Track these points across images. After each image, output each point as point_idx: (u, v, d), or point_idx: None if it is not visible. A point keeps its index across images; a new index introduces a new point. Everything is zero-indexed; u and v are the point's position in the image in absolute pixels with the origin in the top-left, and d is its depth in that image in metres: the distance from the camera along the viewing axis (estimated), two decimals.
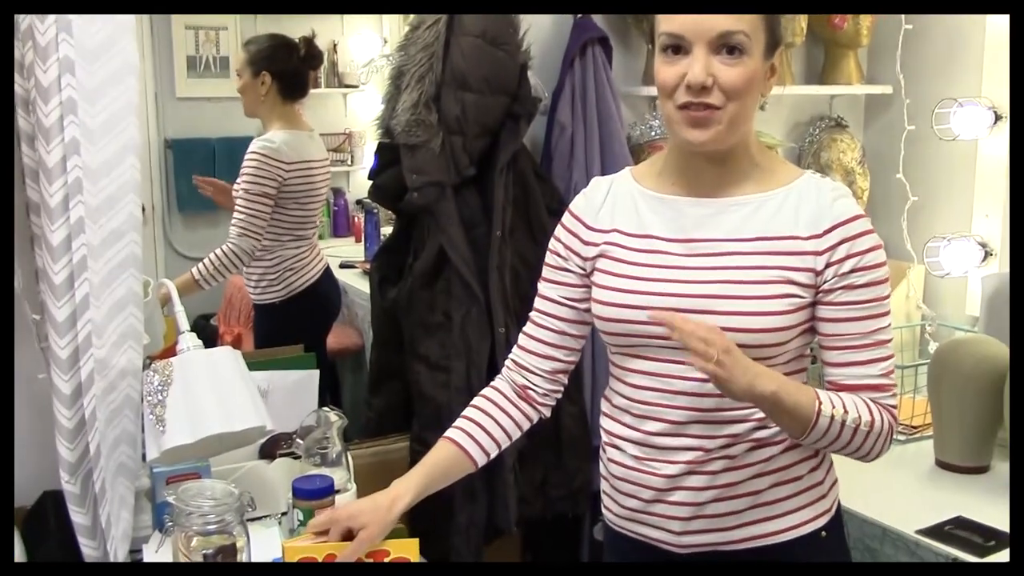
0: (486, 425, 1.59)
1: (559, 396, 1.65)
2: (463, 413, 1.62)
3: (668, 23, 1.38)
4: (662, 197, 1.49)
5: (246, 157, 2.88)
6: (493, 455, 1.59)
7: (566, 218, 1.58)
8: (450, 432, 1.59)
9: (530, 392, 1.61)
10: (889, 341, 1.44)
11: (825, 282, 1.40)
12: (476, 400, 1.63)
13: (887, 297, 1.44)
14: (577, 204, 1.58)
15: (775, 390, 1.32)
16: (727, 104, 1.37)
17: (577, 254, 1.55)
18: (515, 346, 1.64)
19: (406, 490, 1.52)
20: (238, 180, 2.89)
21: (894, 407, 1.45)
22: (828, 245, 1.40)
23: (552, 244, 1.60)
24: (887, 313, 1.44)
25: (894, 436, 1.46)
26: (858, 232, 1.41)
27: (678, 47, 1.38)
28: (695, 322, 1.31)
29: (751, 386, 1.30)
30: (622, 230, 1.50)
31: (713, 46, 1.36)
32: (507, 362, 1.65)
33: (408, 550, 1.52)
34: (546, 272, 1.60)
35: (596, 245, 1.52)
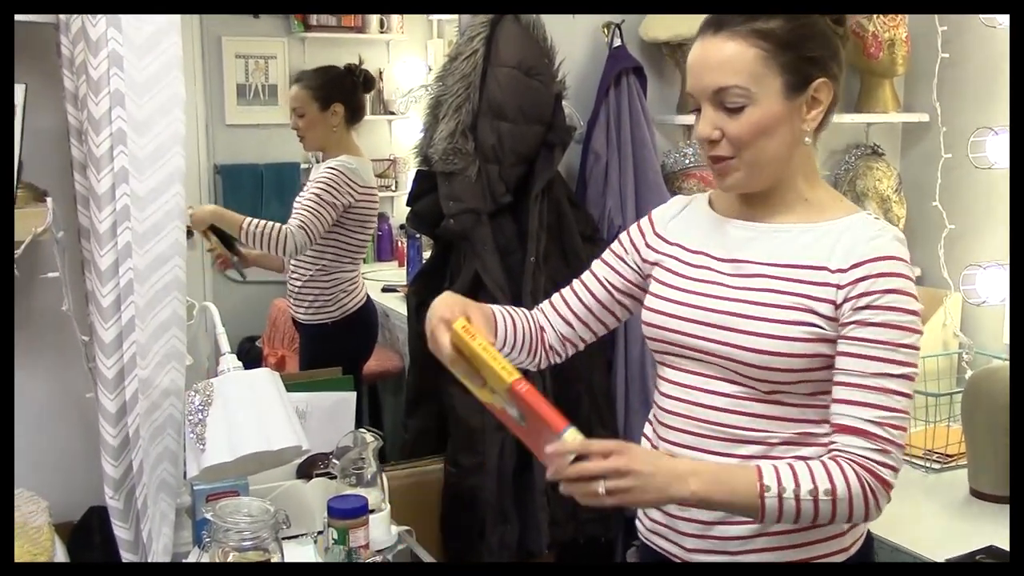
0: (518, 324, 1.60)
1: (559, 360, 1.68)
2: (502, 307, 1.62)
3: (687, 84, 1.47)
4: (719, 218, 1.55)
5: (323, 171, 2.92)
6: (504, 350, 1.56)
7: (642, 220, 1.66)
8: (492, 306, 1.59)
9: (545, 336, 1.66)
10: (897, 393, 1.36)
11: (842, 315, 1.40)
12: (511, 309, 1.63)
13: (905, 346, 1.37)
14: (656, 210, 1.66)
15: (695, 490, 1.31)
16: (739, 152, 1.42)
17: (638, 251, 1.61)
18: (555, 296, 1.68)
19: (452, 293, 1.53)
20: (296, 200, 2.93)
21: (881, 463, 1.34)
22: (850, 280, 1.39)
23: (621, 236, 1.66)
24: (901, 363, 1.36)
25: (878, 495, 1.35)
26: (882, 272, 1.38)
27: (697, 104, 1.45)
28: (579, 468, 1.27)
29: (665, 494, 1.31)
30: (684, 245, 1.56)
31: (714, 102, 1.42)
32: (537, 307, 1.69)
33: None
34: (604, 255, 1.67)
35: (657, 251, 1.59)
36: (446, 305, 1.46)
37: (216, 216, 2.81)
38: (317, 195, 2.87)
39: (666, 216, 1.62)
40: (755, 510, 1.33)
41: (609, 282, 1.63)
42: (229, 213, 2.82)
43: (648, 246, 1.60)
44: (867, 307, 1.38)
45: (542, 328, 1.66)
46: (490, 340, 1.42)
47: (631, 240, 1.64)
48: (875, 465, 1.35)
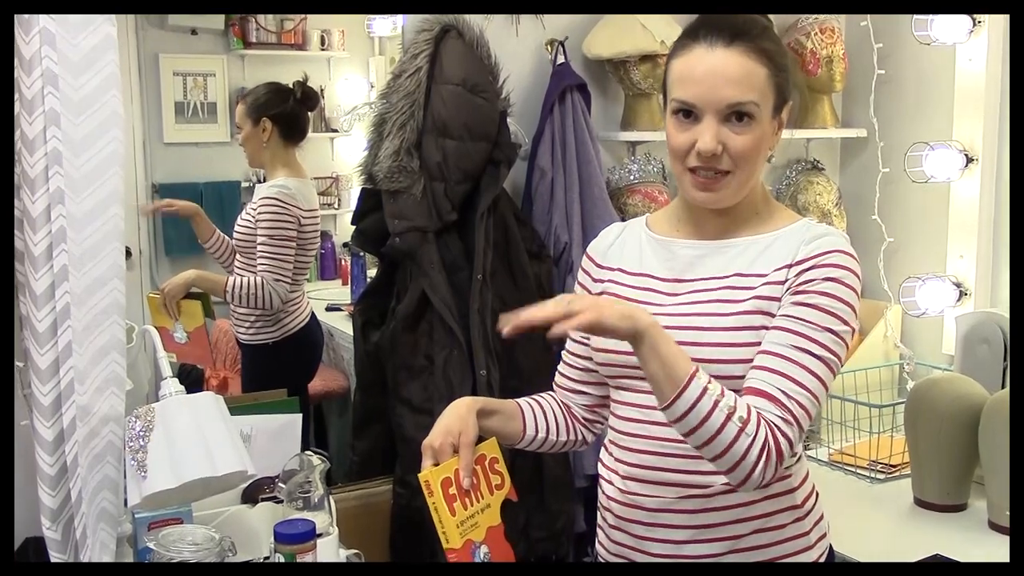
0: (545, 407, 1.64)
1: (600, 427, 1.68)
2: (528, 396, 1.66)
3: (681, 90, 1.42)
4: (661, 239, 1.55)
5: (262, 203, 2.88)
6: (540, 435, 1.62)
7: (583, 259, 1.66)
8: (518, 399, 1.64)
9: (574, 412, 1.67)
10: (812, 373, 1.35)
11: (783, 300, 1.41)
12: (537, 395, 1.68)
13: (830, 331, 1.37)
14: (592, 245, 1.66)
15: (651, 325, 1.30)
16: (736, 169, 1.42)
17: (589, 291, 1.61)
18: (556, 375, 1.70)
19: (471, 399, 1.54)
20: (239, 221, 2.92)
21: (782, 432, 1.32)
22: (795, 272, 1.41)
23: (576, 287, 1.67)
24: (822, 344, 1.37)
25: (773, 462, 1.31)
26: (825, 263, 1.40)
27: (689, 112, 1.42)
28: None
29: (630, 310, 1.31)
30: (625, 269, 1.56)
31: (723, 115, 1.40)
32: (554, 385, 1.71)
33: (491, 449, 1.52)
34: None
35: (602, 282, 1.59)
36: (445, 424, 1.46)
37: (199, 279, 2.80)
38: (270, 236, 2.85)
39: (602, 247, 1.63)
40: (676, 387, 1.29)
41: (590, 337, 1.61)
42: (211, 275, 2.85)
43: (595, 280, 1.61)
44: (802, 291, 1.39)
45: (568, 406, 1.67)
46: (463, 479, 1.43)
47: (581, 286, 1.64)
48: (777, 431, 1.32)
